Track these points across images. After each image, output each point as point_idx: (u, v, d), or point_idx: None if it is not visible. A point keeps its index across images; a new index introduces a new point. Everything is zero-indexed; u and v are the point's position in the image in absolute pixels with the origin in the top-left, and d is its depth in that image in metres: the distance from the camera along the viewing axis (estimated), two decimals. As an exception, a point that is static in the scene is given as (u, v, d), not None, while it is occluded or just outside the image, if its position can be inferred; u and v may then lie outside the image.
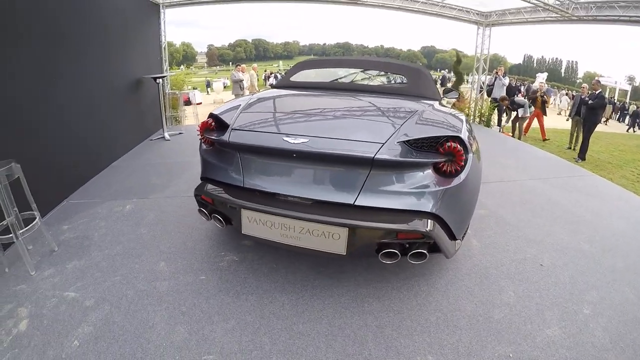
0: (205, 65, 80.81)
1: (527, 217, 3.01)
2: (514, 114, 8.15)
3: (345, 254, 1.59)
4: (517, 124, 8.11)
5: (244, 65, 10.47)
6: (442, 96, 2.79)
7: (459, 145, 1.63)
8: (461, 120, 1.99)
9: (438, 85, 3.42)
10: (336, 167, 1.63)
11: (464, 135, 1.74)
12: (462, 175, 1.67)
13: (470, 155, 1.73)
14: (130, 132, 4.85)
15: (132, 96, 4.92)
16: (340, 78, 2.97)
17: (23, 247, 2.00)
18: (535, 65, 72.41)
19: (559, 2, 5.02)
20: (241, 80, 9.26)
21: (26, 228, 2.04)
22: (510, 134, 8.08)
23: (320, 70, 3.13)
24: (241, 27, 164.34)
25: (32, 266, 2.05)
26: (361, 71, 3.04)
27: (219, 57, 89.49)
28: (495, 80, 8.43)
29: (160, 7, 6.03)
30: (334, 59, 3.18)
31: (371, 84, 2.92)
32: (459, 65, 8.84)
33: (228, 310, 1.81)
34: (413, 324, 1.73)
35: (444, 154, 1.63)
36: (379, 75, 3.09)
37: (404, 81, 2.78)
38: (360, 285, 2.01)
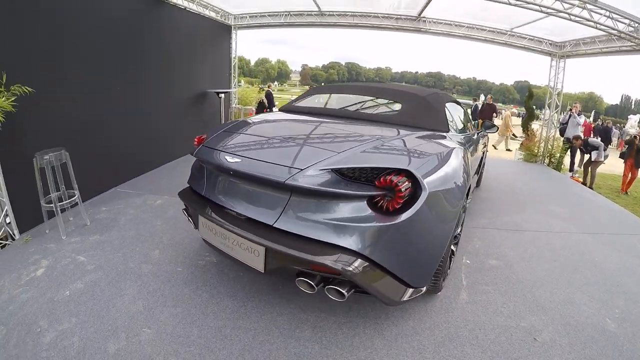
0: (298, 83, 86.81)
1: (548, 277, 2.60)
2: (586, 156, 7.17)
3: (263, 271, 1.71)
4: (590, 168, 6.99)
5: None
6: (475, 130, 2.70)
7: (399, 180, 1.52)
8: (437, 155, 1.87)
9: (460, 116, 3.37)
10: (263, 188, 1.72)
11: (418, 169, 1.62)
12: (405, 215, 1.52)
13: (425, 193, 1.58)
14: (188, 138, 5.77)
15: (195, 107, 5.81)
16: (348, 105, 2.86)
17: (60, 216, 2.68)
18: (633, 106, 62.61)
19: (632, 29, 4.33)
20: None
21: (65, 202, 2.76)
22: (581, 180, 6.99)
23: (337, 95, 3.20)
24: (336, 50, 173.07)
25: (64, 232, 2.73)
26: (371, 99, 2.91)
27: (311, 77, 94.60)
28: (569, 118, 7.54)
29: (232, 29, 7.02)
30: (340, 86, 3.26)
31: (370, 112, 2.78)
32: (530, 100, 8.02)
33: (181, 300, 2.12)
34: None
35: (380, 187, 1.54)
36: (383, 103, 2.87)
37: (396, 109, 2.63)
38: (304, 310, 2.06)
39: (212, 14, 6.22)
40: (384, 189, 1.54)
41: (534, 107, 8.41)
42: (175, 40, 5.12)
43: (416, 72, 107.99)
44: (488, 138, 4.77)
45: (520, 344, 1.88)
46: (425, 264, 1.80)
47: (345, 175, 1.63)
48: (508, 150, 9.67)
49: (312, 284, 1.58)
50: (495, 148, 9.60)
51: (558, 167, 7.11)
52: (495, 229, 3.42)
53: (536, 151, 7.30)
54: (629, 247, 3.30)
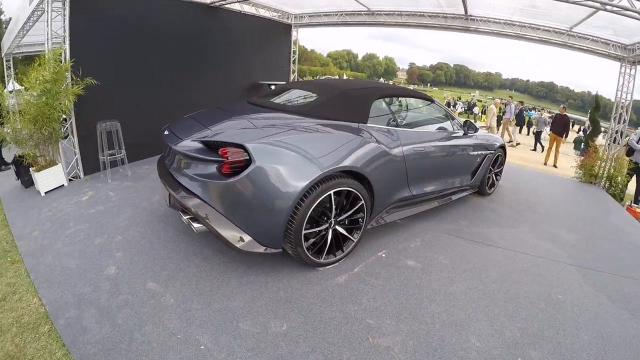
0: (405, 81, 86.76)
1: (458, 294, 2.44)
2: None
3: (168, 205, 2.58)
4: None
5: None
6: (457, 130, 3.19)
7: (229, 152, 2.11)
8: (303, 138, 2.34)
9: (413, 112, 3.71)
10: (173, 152, 2.49)
11: (255, 147, 2.14)
12: (234, 179, 2.09)
13: (257, 166, 2.09)
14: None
15: (248, 95, 6.86)
16: (290, 100, 3.23)
17: (109, 167, 4.13)
18: None
19: None
20: None
21: (115, 156, 4.24)
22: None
23: (293, 90, 3.43)
24: (447, 51, 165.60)
25: (110, 177, 4.14)
26: (308, 94, 3.17)
27: (418, 77, 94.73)
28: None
29: (292, 27, 8.02)
30: (297, 82, 3.58)
31: (297, 104, 3.10)
32: (597, 112, 6.60)
33: (150, 225, 3.13)
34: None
35: (221, 155, 2.13)
36: (314, 96, 3.07)
37: (317, 102, 2.90)
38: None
39: (274, 15, 7.34)
40: (223, 156, 2.14)
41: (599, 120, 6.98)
42: (238, 39, 6.35)
43: (527, 81, 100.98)
44: (501, 146, 4.51)
45: (352, 337, 1.97)
46: (262, 223, 2.22)
47: (207, 145, 2.30)
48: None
49: (185, 219, 2.36)
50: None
51: (619, 193, 5.87)
52: (455, 236, 3.38)
53: (596, 171, 6.17)
54: (627, 296, 2.72)
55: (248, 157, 2.16)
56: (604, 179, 6.15)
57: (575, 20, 5.35)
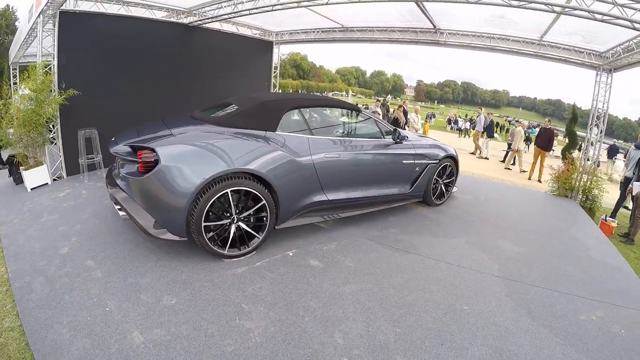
0: (413, 98, 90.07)
1: (334, 293, 2.74)
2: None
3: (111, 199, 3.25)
4: (636, 211, 5.48)
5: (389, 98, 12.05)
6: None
7: (143, 154, 2.73)
8: (195, 143, 2.88)
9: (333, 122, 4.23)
10: None
11: (163, 150, 2.74)
12: (145, 176, 2.73)
13: (163, 165, 2.68)
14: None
15: None
16: (221, 112, 3.67)
17: (86, 169, 4.94)
18: None
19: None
20: (375, 113, 10.57)
21: (91, 161, 5.04)
22: (615, 230, 5.64)
23: (228, 104, 3.82)
24: (454, 68, 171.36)
25: (86, 178, 4.95)
26: (235, 106, 3.62)
27: (426, 94, 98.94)
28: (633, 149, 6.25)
29: (274, 44, 8.75)
30: (233, 98, 4.04)
31: (225, 116, 3.54)
32: (574, 124, 6.67)
33: (104, 216, 3.90)
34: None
35: (139, 157, 2.77)
36: (239, 109, 3.57)
37: (237, 113, 3.45)
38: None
39: (255, 32, 8.10)
40: (139, 157, 2.78)
41: (575, 132, 7.08)
42: (219, 56, 7.15)
43: (535, 98, 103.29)
44: (448, 157, 4.78)
45: (223, 316, 2.41)
46: (169, 213, 2.78)
47: (133, 149, 2.93)
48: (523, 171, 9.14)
49: (116, 208, 3.03)
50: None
51: (593, 207, 5.94)
52: (376, 242, 3.64)
53: (572, 184, 6.25)
54: (555, 313, 2.81)
55: (157, 159, 2.76)
56: (580, 192, 6.26)
57: (543, 28, 5.58)
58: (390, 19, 6.64)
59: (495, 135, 27.88)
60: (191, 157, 2.85)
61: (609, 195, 6.59)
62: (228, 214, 2.99)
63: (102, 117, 5.25)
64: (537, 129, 13.37)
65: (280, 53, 9.00)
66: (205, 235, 2.90)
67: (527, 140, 16.28)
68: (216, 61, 7.27)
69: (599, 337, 2.60)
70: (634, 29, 3.84)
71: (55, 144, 5.00)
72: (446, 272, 3.26)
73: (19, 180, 4.80)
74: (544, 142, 8.22)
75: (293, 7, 5.19)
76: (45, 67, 4.63)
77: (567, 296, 3.10)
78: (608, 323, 2.78)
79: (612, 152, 13.25)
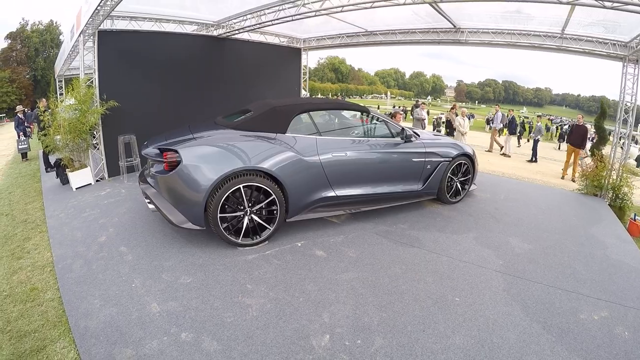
0: (453, 99, 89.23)
1: (344, 287, 2.97)
2: None
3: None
4: None
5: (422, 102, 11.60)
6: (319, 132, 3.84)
7: (168, 155, 3.18)
8: (213, 145, 3.34)
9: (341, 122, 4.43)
10: None
11: (184, 151, 3.18)
12: (170, 173, 3.19)
13: (184, 164, 3.12)
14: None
15: None
16: (239, 118, 4.04)
17: (125, 171, 5.61)
18: None
19: None
20: (423, 119, 9.94)
21: (129, 163, 5.70)
22: None
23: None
24: (495, 67, 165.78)
25: (126, 179, 5.61)
26: (251, 112, 3.99)
27: (466, 94, 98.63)
28: None
29: (302, 51, 9.25)
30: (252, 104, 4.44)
31: (242, 121, 3.92)
32: (603, 119, 6.25)
33: (138, 210, 4.44)
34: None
35: (164, 157, 3.23)
36: (254, 114, 3.96)
37: (251, 117, 3.85)
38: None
39: (282, 40, 8.63)
40: (164, 158, 3.26)
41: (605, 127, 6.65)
42: (249, 64, 7.74)
43: (578, 95, 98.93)
44: (461, 155, 4.84)
45: (229, 293, 2.77)
46: (189, 206, 3.19)
47: (161, 150, 3.38)
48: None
49: (146, 202, 3.53)
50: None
51: (623, 205, 5.60)
52: (382, 237, 3.83)
53: (602, 183, 5.93)
54: (552, 310, 2.80)
55: (180, 159, 3.22)
56: (609, 190, 5.99)
57: (561, 21, 5.50)
58: (410, 21, 6.83)
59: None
60: (208, 157, 3.29)
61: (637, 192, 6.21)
62: (241, 207, 3.37)
63: (140, 124, 5.92)
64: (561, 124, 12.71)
65: (319, 57, 9.56)
66: (221, 225, 3.31)
67: (561, 137, 15.65)
68: (246, 69, 7.85)
69: (598, 337, 2.54)
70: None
71: (98, 148, 5.72)
72: (446, 265, 3.38)
73: (65, 181, 5.56)
74: (577, 139, 7.88)
75: (310, 17, 5.60)
76: (88, 81, 5.36)
77: (570, 294, 3.05)
78: (611, 324, 2.70)
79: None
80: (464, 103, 78.47)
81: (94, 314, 2.59)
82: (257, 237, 3.51)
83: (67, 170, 5.39)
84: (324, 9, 5.25)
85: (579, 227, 4.72)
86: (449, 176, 4.84)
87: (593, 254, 3.91)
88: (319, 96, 47.52)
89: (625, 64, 5.65)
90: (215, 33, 7.10)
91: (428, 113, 14.08)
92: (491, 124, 26.46)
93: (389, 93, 61.72)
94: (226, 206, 3.29)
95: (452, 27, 6.57)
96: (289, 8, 5.59)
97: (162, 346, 2.29)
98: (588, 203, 5.87)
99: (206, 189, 3.16)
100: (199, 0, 6.26)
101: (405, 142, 4.39)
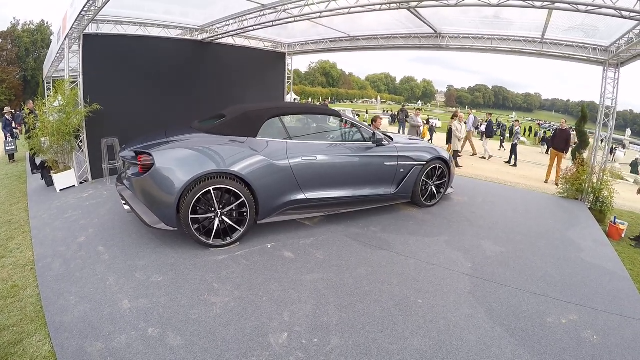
0: (443, 104, 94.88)
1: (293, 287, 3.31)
2: None
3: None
4: None
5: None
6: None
7: (142, 158, 3.40)
8: (185, 148, 3.56)
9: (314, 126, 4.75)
10: None
11: (157, 154, 3.38)
12: (143, 175, 3.38)
13: (156, 167, 3.33)
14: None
15: None
16: (214, 121, 4.25)
17: (107, 173, 5.83)
18: None
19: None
20: (419, 126, 10.21)
21: (111, 165, 5.91)
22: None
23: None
24: (485, 72, 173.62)
25: (108, 181, 5.83)
26: (224, 117, 4.22)
27: (456, 99, 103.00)
28: None
29: (286, 55, 9.48)
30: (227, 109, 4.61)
31: (215, 125, 4.12)
32: (584, 123, 6.51)
33: (118, 211, 4.66)
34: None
35: (139, 160, 3.45)
36: (226, 119, 4.18)
37: (223, 122, 4.06)
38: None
39: (267, 45, 8.86)
40: (138, 160, 3.46)
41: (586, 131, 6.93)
42: (234, 68, 7.95)
43: (567, 101, 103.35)
44: (436, 158, 5.03)
45: (196, 292, 2.96)
46: (162, 207, 3.40)
47: (136, 153, 3.57)
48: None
49: (122, 203, 3.74)
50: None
51: (604, 209, 5.81)
52: (352, 239, 4.01)
53: (583, 186, 6.15)
54: (518, 314, 2.86)
55: (153, 162, 3.42)
56: (589, 193, 6.20)
57: (540, 26, 5.71)
58: (392, 27, 7.06)
59: (523, 139, 27.39)
60: (179, 160, 3.49)
61: (622, 195, 6.46)
62: (212, 209, 3.57)
63: (123, 127, 6.12)
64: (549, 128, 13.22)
65: (310, 61, 9.85)
66: (193, 226, 3.51)
67: (543, 140, 16.08)
68: (231, 74, 8.07)
69: (564, 341, 2.58)
70: (622, 17, 3.90)
71: (82, 150, 5.92)
72: (413, 267, 3.53)
73: (50, 182, 5.75)
74: (561, 143, 8.13)
75: (290, 22, 5.81)
76: (72, 84, 5.56)
77: (538, 297, 3.11)
78: (580, 328, 2.75)
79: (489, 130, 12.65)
80: (453, 108, 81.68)
81: (69, 310, 2.79)
82: (228, 238, 3.71)
83: (51, 172, 5.58)
84: (304, 15, 5.47)
85: (556, 230, 4.87)
86: (423, 180, 5.02)
87: (567, 257, 4.03)
88: (309, 101, 48.12)
89: (605, 68, 5.86)
90: (199, 37, 7.32)
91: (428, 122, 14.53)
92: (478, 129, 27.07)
93: (379, 97, 63.63)
94: (197, 208, 3.49)
95: (433, 32, 6.80)
96: (269, 14, 5.80)
97: (130, 340, 2.49)
98: (568, 206, 6.08)
99: (177, 190, 3.37)
100: (184, 5, 6.46)
101: (377, 146, 4.56)
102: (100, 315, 2.73)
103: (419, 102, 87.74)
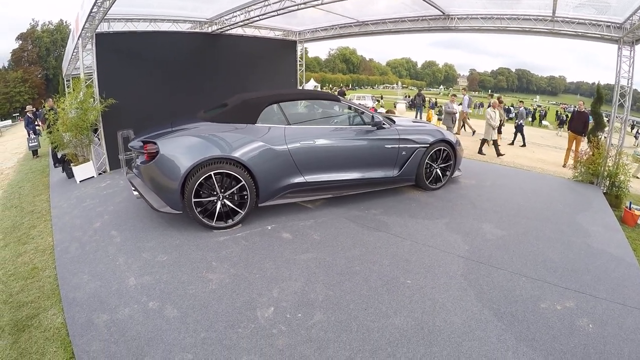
0: (466, 88, 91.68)
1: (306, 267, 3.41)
2: None
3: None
4: None
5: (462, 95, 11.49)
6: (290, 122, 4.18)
7: (148, 146, 3.61)
8: (188, 136, 3.76)
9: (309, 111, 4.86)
10: None
11: (162, 143, 3.60)
12: (150, 163, 3.60)
13: (161, 154, 3.55)
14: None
15: None
16: (219, 111, 4.43)
17: (123, 163, 6.16)
18: None
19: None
20: (454, 113, 9.83)
21: (127, 156, 6.24)
22: None
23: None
24: (508, 55, 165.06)
25: (125, 171, 6.19)
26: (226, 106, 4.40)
27: (479, 83, 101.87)
28: None
29: (297, 43, 9.57)
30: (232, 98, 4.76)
31: (219, 114, 4.34)
32: (599, 104, 6.12)
33: (129, 200, 4.95)
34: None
35: (145, 149, 3.67)
36: (229, 107, 4.38)
37: (225, 110, 4.26)
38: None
39: (278, 34, 8.98)
40: (145, 149, 3.68)
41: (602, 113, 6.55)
42: (246, 58, 8.14)
43: (593, 84, 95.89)
44: (440, 141, 4.98)
45: (196, 269, 3.17)
46: (167, 192, 3.63)
47: (144, 142, 3.79)
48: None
49: (132, 189, 3.99)
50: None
51: (620, 194, 5.56)
52: (351, 221, 4.08)
53: (599, 170, 5.89)
54: (511, 297, 2.81)
55: (158, 150, 3.64)
56: (605, 178, 5.96)
57: (550, 3, 5.50)
58: (399, 10, 6.99)
59: (546, 122, 26.35)
60: (182, 147, 3.70)
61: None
62: (215, 193, 3.76)
63: (138, 119, 6.41)
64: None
65: (329, 48, 9.91)
66: (196, 209, 3.72)
67: (561, 123, 15.57)
68: (243, 64, 8.25)
69: (556, 328, 2.50)
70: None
71: (100, 144, 6.28)
72: (407, 249, 3.56)
73: (70, 175, 6.16)
74: (579, 126, 7.78)
75: (293, 10, 5.88)
76: (88, 81, 5.90)
77: (535, 282, 3.01)
78: (575, 315, 2.64)
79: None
80: (476, 92, 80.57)
81: (81, 287, 3.05)
82: (230, 220, 3.89)
83: (71, 164, 5.98)
84: (307, 2, 5.53)
85: (564, 214, 4.71)
86: (427, 162, 5.00)
87: (572, 241, 3.86)
88: (329, 87, 48.18)
89: (620, 46, 5.57)
90: (209, 30, 7.51)
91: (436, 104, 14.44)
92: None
93: (399, 83, 62.96)
94: (200, 192, 3.69)
95: (441, 14, 6.68)
96: (273, 3, 5.89)
97: (132, 312, 2.72)
98: (581, 191, 5.87)
99: (181, 176, 3.57)
100: (192, 0, 6.66)
101: (378, 129, 4.59)
102: (109, 291, 2.97)
103: (441, 86, 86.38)
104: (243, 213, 3.94)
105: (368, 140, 4.56)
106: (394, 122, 4.98)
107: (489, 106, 9.86)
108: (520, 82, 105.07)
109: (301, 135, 4.18)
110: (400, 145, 4.73)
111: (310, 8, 6.03)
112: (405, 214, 4.43)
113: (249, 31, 8.29)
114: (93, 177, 6.16)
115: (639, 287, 3.11)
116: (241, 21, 6.76)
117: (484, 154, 8.93)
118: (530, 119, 21.82)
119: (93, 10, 4.87)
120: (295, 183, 4.16)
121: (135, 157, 4.22)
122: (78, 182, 6.01)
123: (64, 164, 6.28)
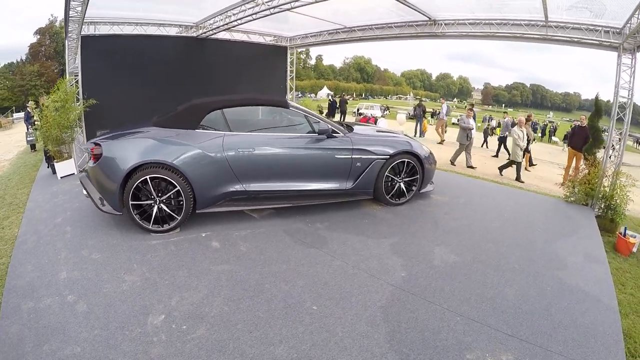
0: (480, 102, 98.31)
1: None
2: None
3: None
4: None
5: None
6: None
7: (94, 148, 4.14)
8: (130, 140, 4.30)
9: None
10: None
11: (105, 145, 4.14)
12: (95, 164, 4.14)
13: (104, 157, 4.08)
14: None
15: None
16: (168, 116, 4.87)
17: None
18: None
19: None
20: (471, 129, 9.09)
21: None
22: None
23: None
24: (523, 70, 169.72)
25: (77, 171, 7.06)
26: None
27: (493, 97, 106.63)
28: None
29: (287, 49, 10.01)
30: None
31: (167, 118, 4.79)
32: (597, 118, 5.90)
33: (78, 219, 5.66)
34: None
35: (91, 151, 4.18)
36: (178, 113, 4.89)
37: (172, 115, 4.73)
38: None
39: (268, 39, 9.49)
40: (92, 151, 4.23)
41: (602, 128, 6.31)
42: (235, 63, 8.71)
43: (608, 101, 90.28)
44: (403, 152, 5.09)
45: (117, 269, 3.61)
46: (108, 193, 4.14)
47: (95, 144, 4.33)
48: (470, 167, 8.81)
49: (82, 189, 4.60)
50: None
51: (616, 217, 5.38)
52: (289, 235, 4.37)
53: (595, 190, 5.74)
54: (434, 341, 2.57)
55: (102, 152, 4.19)
56: (600, 199, 5.83)
57: (538, 6, 5.48)
58: (383, 16, 7.27)
59: (555, 138, 25.72)
60: (122, 150, 4.23)
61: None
62: (152, 197, 4.26)
63: (120, 120, 7.07)
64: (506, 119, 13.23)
65: (344, 56, 10.46)
66: (133, 212, 4.23)
67: (565, 138, 15.32)
68: (229, 68, 8.81)
69: None
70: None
71: (82, 142, 7.13)
72: (332, 270, 3.62)
73: (54, 170, 7.03)
74: (579, 142, 7.61)
75: (267, 15, 6.35)
76: (72, 81, 6.73)
77: (471, 324, 2.72)
78: None
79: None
80: (490, 106, 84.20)
81: (23, 276, 3.64)
82: (167, 225, 4.37)
83: (54, 161, 6.85)
84: (274, 7, 5.96)
85: (540, 240, 4.54)
86: (388, 175, 5.11)
87: (540, 274, 3.62)
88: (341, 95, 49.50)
89: (619, 53, 5.46)
90: (194, 34, 8.17)
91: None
92: (437, 117, 25.91)
93: (411, 94, 66.76)
94: (139, 195, 4.19)
95: (427, 19, 6.87)
96: (249, 8, 6.41)
97: (52, 303, 3.22)
98: (571, 213, 5.78)
99: (119, 178, 4.10)
100: (176, 4, 7.33)
101: (327, 137, 4.78)
102: (42, 282, 3.53)
103: (454, 99, 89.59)
104: (179, 219, 4.38)
105: (316, 150, 4.74)
106: (351, 130, 5.16)
107: (513, 125, 9.72)
108: (534, 98, 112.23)
109: (240, 142, 4.52)
110: (354, 156, 4.86)
111: (300, 15, 6.42)
112: (352, 230, 4.56)
113: (237, 36, 8.84)
114: (73, 173, 7.00)
115: (611, 338, 2.68)
116: (222, 25, 7.32)
117: (529, 170, 9.11)
118: (540, 134, 21.33)
119: (70, 15, 5.59)
120: (234, 191, 4.53)
121: (88, 158, 4.81)
122: (59, 178, 6.86)
123: (49, 160, 7.18)
